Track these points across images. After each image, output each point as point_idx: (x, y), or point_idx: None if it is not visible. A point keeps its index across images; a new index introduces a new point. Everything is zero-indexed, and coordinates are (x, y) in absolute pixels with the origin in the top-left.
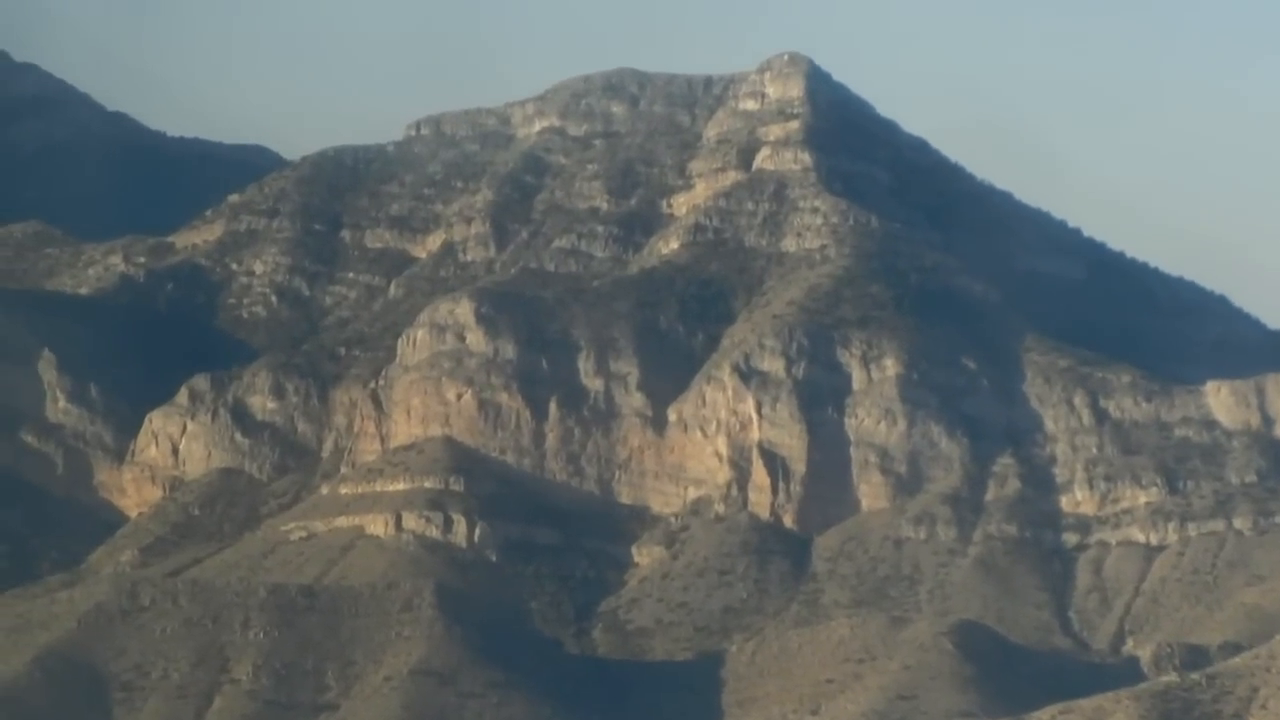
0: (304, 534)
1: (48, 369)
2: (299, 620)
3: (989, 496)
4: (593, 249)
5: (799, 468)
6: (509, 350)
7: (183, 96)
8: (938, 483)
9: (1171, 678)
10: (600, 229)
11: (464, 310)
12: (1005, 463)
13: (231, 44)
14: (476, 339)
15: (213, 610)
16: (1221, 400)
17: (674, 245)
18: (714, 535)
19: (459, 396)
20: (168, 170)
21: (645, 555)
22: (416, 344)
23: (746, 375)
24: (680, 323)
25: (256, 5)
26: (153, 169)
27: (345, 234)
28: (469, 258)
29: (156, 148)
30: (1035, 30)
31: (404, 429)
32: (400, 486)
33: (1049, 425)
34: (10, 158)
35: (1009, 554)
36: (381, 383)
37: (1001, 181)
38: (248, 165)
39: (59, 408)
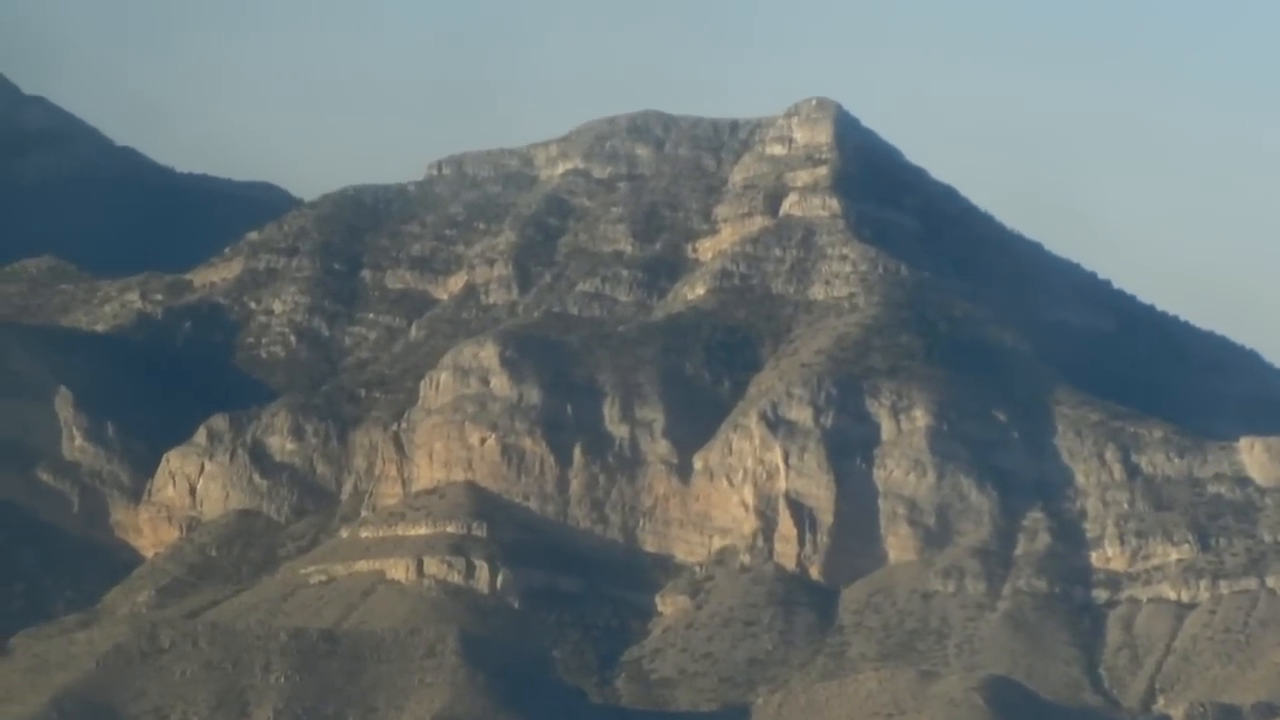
0: (323, 577)
1: (64, 406)
2: (320, 665)
3: (1019, 551)
4: (617, 293)
5: (826, 518)
6: (533, 395)
7: (192, 132)
8: (967, 536)
9: None
10: (624, 273)
11: (488, 354)
12: (1035, 517)
13: (243, 80)
14: (501, 383)
15: (233, 653)
16: (1255, 457)
17: (700, 291)
18: (739, 585)
19: (482, 441)
20: (175, 206)
21: (669, 604)
22: (440, 387)
23: (774, 424)
24: (706, 370)
25: (272, 43)
26: (160, 205)
27: (365, 274)
28: (491, 300)
29: (164, 183)
30: (1066, 80)
31: (426, 473)
32: (422, 531)
33: (1080, 479)
34: (17, 190)
35: (1038, 609)
36: (403, 425)
37: (1030, 231)
38: (256, 202)
39: (75, 446)
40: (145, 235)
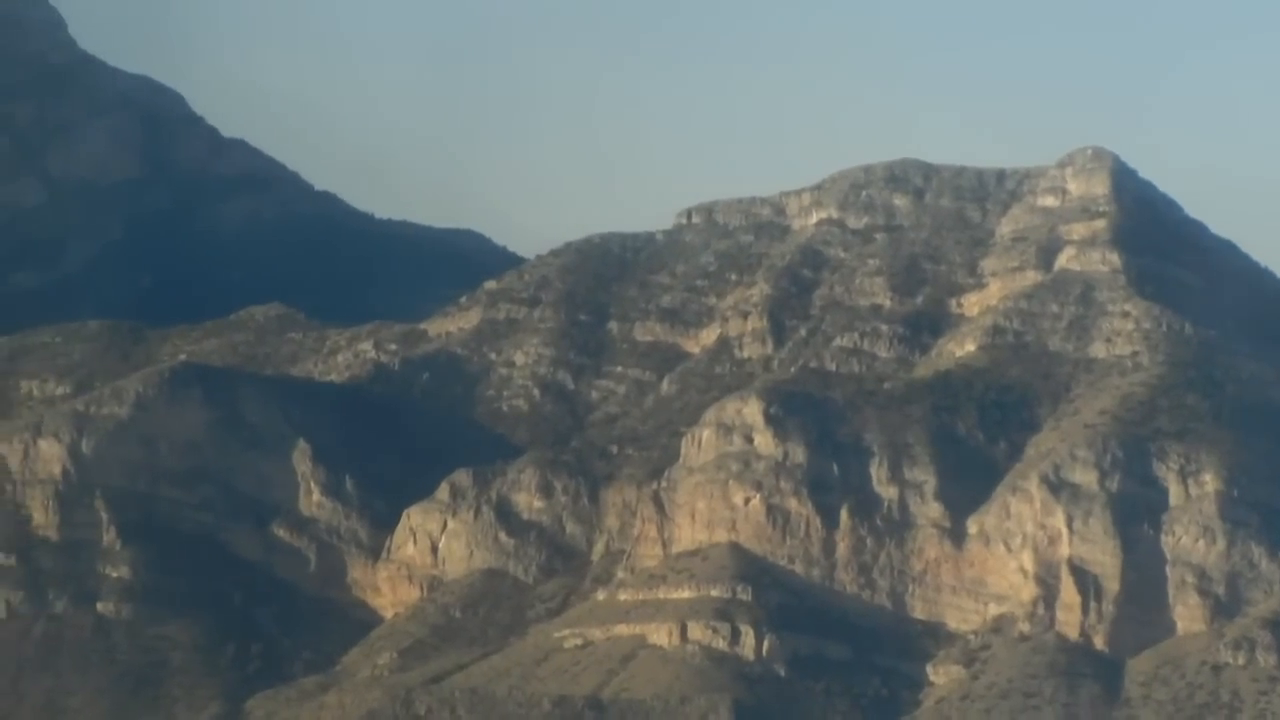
0: (579, 641)
1: (302, 460)
2: None
3: None
4: (876, 349)
5: (1112, 586)
6: (799, 454)
7: (393, 178)
8: (1258, 606)
9: None
10: (884, 328)
11: (752, 410)
12: None
13: (448, 126)
14: (765, 441)
15: None
16: None
17: (969, 347)
18: (1018, 655)
19: (747, 501)
20: (377, 253)
21: (942, 675)
22: (702, 444)
23: (1056, 487)
24: (980, 430)
25: (471, 87)
26: (361, 251)
27: (613, 325)
28: (745, 354)
29: (364, 229)
30: None
31: (688, 534)
32: (684, 594)
33: None
34: (217, 235)
35: None
36: (663, 484)
37: None
38: (461, 250)
39: (313, 501)
40: (350, 282)
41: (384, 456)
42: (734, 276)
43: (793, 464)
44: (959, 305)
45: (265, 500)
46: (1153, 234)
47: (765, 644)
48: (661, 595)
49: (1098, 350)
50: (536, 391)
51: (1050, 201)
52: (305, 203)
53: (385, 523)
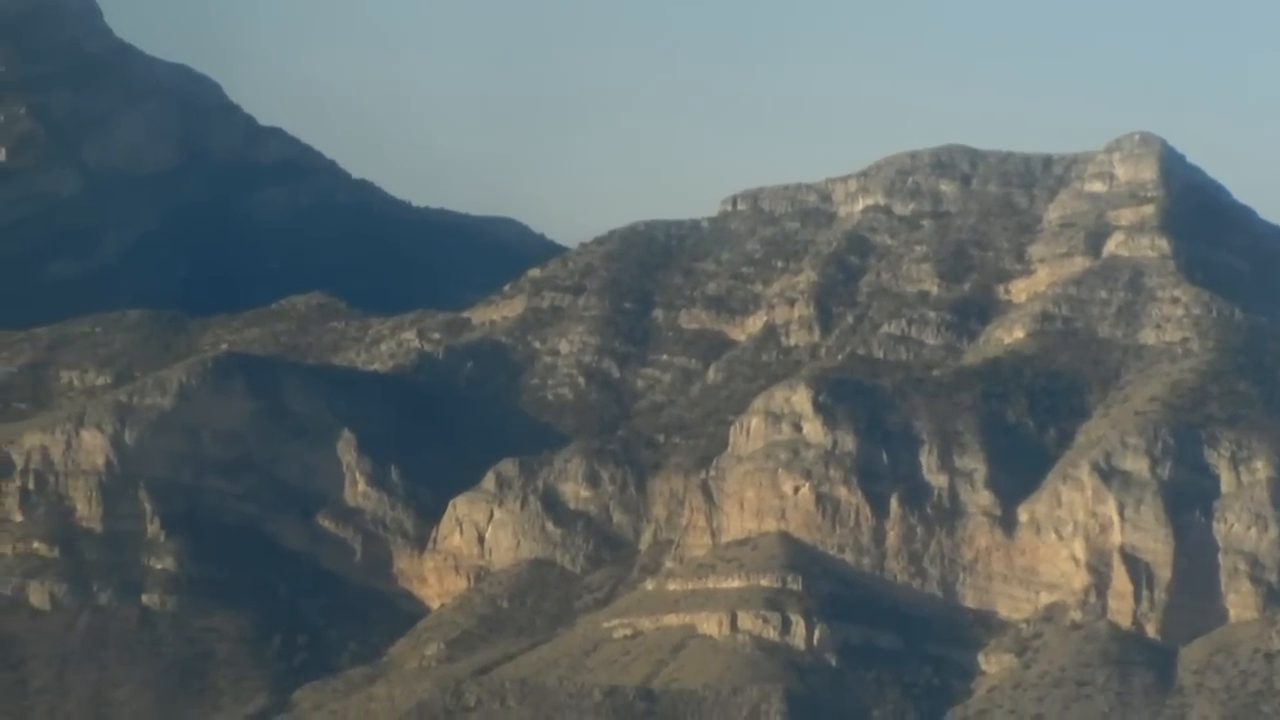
0: (629, 631)
1: (347, 450)
2: None
3: None
4: (924, 336)
5: (1164, 574)
6: (848, 442)
7: (431, 166)
8: None
9: None
10: (932, 314)
11: (800, 398)
12: None
13: (484, 113)
14: (814, 429)
15: (544, 712)
16: None
17: (1018, 334)
18: (1070, 644)
19: (796, 490)
20: (414, 240)
21: (994, 663)
22: (750, 433)
23: (1107, 475)
24: (1030, 417)
25: (513, 73)
26: (398, 239)
27: (658, 313)
28: (792, 341)
29: (401, 217)
30: None
31: (737, 523)
32: (734, 584)
33: None
34: (254, 225)
35: None
36: (712, 473)
37: None
38: (497, 239)
39: (358, 491)
40: (387, 270)
41: (429, 446)
42: (780, 264)
43: (842, 452)
44: (1007, 292)
45: (310, 491)
46: (1201, 219)
47: (816, 634)
48: (711, 585)
49: (1148, 336)
50: (582, 380)
51: (1098, 187)
52: (343, 191)
53: (431, 513)
